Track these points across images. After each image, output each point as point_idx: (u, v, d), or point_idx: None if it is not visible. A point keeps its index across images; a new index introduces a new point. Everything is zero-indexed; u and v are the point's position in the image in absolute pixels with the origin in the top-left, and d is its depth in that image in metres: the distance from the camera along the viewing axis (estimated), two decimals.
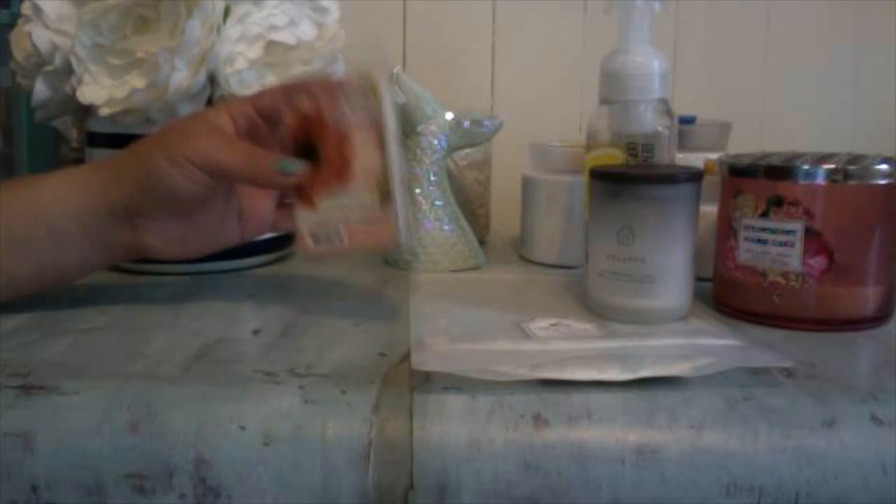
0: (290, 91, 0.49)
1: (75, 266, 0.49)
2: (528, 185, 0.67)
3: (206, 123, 0.48)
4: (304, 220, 0.48)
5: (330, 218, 0.47)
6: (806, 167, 0.47)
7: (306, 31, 0.60)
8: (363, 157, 0.48)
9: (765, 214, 0.48)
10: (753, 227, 0.48)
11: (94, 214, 0.47)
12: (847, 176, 0.46)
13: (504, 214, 0.79)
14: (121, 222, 0.47)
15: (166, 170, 0.46)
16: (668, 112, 0.54)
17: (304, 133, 0.49)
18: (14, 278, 0.47)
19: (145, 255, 0.49)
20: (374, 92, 0.49)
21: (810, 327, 0.47)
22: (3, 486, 0.35)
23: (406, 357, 0.41)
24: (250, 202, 0.51)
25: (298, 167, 0.47)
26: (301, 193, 0.48)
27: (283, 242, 0.64)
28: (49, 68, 0.58)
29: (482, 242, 0.71)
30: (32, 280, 0.48)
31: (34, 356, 0.41)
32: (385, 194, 0.48)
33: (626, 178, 0.47)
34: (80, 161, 0.70)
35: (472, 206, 0.72)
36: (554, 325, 0.46)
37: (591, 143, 0.55)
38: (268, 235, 0.58)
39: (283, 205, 0.52)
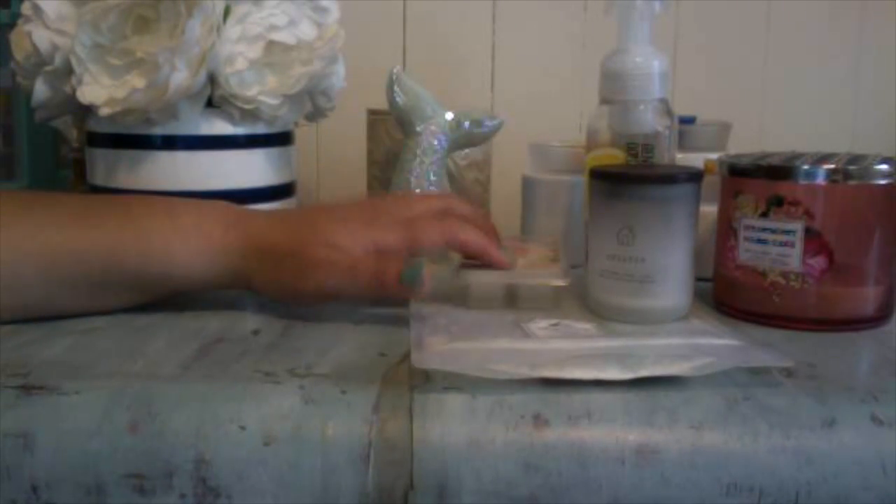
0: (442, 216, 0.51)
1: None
2: (528, 185, 0.67)
3: (322, 245, 0.47)
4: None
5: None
6: (806, 167, 0.47)
7: (306, 31, 0.60)
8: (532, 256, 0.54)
9: (765, 214, 0.48)
10: (753, 227, 0.48)
11: (221, 285, 0.49)
12: (847, 176, 0.46)
13: (504, 214, 0.79)
14: (245, 286, 0.49)
15: (297, 298, 0.48)
16: (668, 112, 0.54)
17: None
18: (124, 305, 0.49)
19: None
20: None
21: (810, 327, 0.47)
22: (3, 486, 0.35)
23: (406, 357, 0.41)
24: None
25: (423, 279, 0.45)
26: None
27: None
28: (49, 68, 0.58)
29: None
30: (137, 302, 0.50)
31: (34, 356, 0.41)
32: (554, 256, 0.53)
33: (626, 178, 0.47)
34: (80, 161, 0.70)
35: None
36: (554, 324, 0.46)
37: (591, 143, 0.55)
38: None
39: None
